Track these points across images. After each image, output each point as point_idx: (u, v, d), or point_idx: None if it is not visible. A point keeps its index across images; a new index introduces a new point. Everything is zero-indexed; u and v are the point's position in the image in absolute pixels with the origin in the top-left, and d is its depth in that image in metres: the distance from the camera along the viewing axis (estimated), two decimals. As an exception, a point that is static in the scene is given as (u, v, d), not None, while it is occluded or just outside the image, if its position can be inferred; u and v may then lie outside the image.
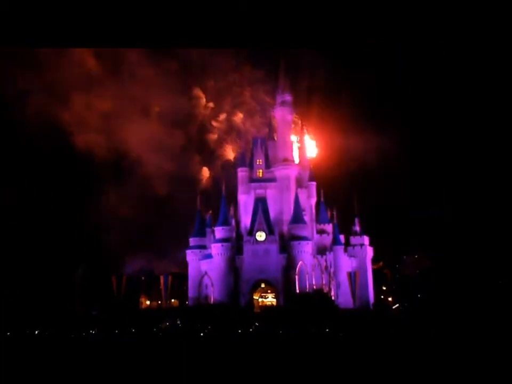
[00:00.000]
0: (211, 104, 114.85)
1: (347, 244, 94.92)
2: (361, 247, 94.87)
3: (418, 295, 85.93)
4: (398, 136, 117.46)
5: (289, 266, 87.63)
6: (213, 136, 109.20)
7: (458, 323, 66.04)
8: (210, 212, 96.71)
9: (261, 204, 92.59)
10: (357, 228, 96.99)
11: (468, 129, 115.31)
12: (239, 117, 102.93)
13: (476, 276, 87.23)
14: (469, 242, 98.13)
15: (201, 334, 72.62)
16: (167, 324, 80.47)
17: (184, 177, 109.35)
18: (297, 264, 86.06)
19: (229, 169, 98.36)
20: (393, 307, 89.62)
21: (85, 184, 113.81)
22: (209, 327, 75.27)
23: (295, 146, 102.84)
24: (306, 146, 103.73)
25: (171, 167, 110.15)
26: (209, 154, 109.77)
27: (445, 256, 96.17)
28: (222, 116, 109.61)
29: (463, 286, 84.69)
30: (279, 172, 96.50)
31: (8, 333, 67.25)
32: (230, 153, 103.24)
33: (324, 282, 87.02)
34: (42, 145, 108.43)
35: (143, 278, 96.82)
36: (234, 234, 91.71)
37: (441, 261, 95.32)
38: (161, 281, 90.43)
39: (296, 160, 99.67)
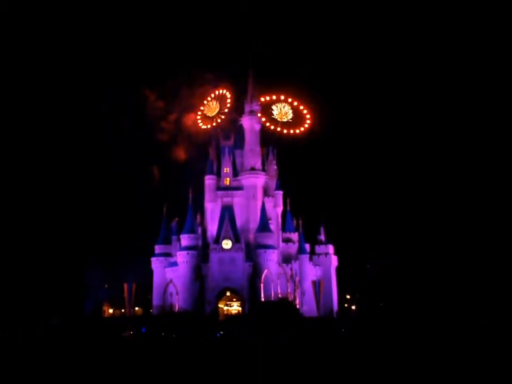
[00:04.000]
0: (160, 104, 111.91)
1: (312, 252, 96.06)
2: (326, 256, 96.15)
3: (381, 304, 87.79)
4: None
5: (255, 274, 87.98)
6: (162, 137, 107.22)
7: (419, 331, 67.74)
8: (176, 219, 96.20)
9: (227, 212, 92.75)
10: (322, 237, 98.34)
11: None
12: (190, 118, 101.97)
13: (439, 284, 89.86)
14: (432, 253, 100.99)
15: (165, 343, 71.85)
16: (131, 332, 79.35)
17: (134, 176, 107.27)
18: (263, 272, 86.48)
19: (188, 171, 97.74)
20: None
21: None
22: (174, 335, 74.64)
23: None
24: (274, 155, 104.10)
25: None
26: (159, 155, 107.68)
27: (407, 263, 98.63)
28: (172, 117, 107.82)
29: (425, 294, 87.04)
30: (246, 180, 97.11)
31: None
32: (181, 154, 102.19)
33: (289, 290, 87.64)
34: None
35: (106, 285, 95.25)
36: (200, 242, 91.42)
37: (403, 269, 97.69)
38: (125, 289, 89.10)
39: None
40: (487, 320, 68.31)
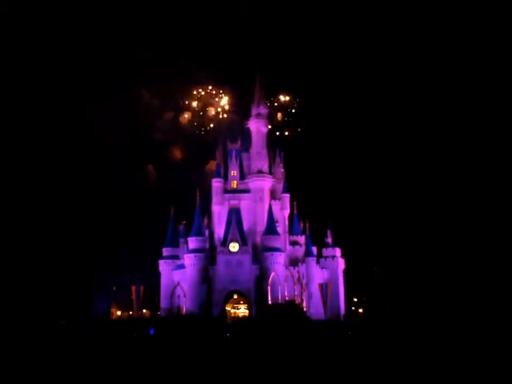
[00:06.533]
0: (156, 102, 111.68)
1: (319, 255, 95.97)
2: (333, 258, 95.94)
3: (388, 307, 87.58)
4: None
5: (262, 277, 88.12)
6: (158, 136, 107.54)
7: (426, 334, 67.50)
8: (184, 222, 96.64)
9: (234, 215, 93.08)
10: (329, 240, 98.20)
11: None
12: (185, 117, 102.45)
13: (446, 287, 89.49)
14: (440, 255, 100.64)
15: (173, 345, 72.11)
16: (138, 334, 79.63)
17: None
18: (270, 275, 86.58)
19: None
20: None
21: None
22: (181, 338, 74.86)
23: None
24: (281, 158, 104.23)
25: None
26: (155, 154, 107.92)
27: (414, 266, 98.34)
28: (168, 116, 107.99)
29: (432, 296, 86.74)
30: (253, 183, 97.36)
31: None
32: (177, 153, 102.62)
33: (296, 293, 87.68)
34: None
35: (114, 288, 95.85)
36: (207, 245, 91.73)
37: (410, 271, 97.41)
38: (133, 291, 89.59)
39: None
40: (489, 320, 68.03)
